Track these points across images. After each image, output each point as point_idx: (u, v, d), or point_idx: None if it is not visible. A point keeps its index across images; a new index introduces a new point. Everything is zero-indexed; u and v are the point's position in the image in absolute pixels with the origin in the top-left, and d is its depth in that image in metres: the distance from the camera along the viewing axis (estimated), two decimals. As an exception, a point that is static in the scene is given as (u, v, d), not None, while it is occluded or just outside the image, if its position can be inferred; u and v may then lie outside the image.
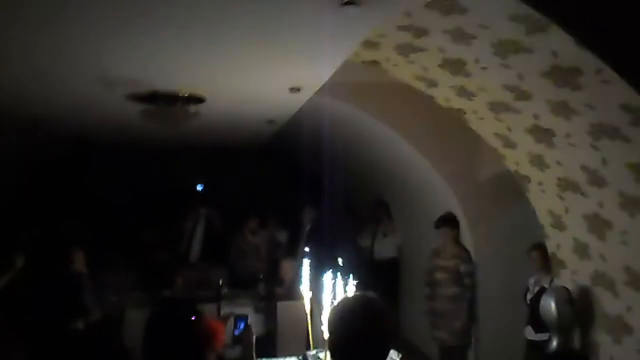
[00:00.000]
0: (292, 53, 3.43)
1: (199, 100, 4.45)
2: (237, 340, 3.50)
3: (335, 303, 1.96)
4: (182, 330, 1.82)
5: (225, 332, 4.10)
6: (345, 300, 2.00)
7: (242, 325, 3.44)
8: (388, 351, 1.82)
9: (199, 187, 9.95)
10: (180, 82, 4.11)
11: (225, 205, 7.88)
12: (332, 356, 1.86)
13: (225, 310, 6.15)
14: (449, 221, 5.55)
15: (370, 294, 1.92)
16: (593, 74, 2.81)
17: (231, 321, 3.57)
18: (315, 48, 3.30)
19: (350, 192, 8.17)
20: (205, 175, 8.71)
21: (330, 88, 4.69)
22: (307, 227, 7.49)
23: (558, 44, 2.76)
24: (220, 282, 6.64)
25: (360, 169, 7.48)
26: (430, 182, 5.66)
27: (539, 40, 2.82)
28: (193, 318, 1.87)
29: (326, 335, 1.90)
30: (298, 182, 8.78)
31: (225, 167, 8.79)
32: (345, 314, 1.83)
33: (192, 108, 4.45)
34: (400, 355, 4.27)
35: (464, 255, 5.48)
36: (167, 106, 4.33)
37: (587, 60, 2.74)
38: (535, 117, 3.54)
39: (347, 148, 7.06)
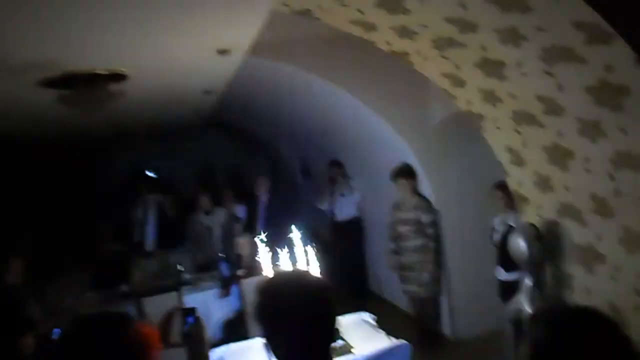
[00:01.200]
0: (212, 9, 3.07)
1: (120, 77, 4.04)
2: (186, 337, 3.25)
3: (266, 281, 1.67)
4: (105, 351, 1.52)
5: (173, 331, 3.84)
6: (279, 277, 1.71)
7: (191, 320, 3.18)
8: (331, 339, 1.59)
9: (149, 174, 9.48)
10: (95, 58, 3.69)
11: (176, 187, 7.49)
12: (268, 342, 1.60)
13: (187, 297, 5.89)
14: (403, 172, 5.37)
15: (308, 272, 1.69)
16: (541, -9, 2.57)
17: (178, 317, 3.31)
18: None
19: (304, 156, 7.89)
20: (151, 159, 8.25)
21: (264, 49, 4.36)
22: (263, 198, 7.18)
23: (501, -39, 2.50)
24: (181, 268, 6.34)
25: (311, 132, 7.19)
26: (382, 134, 5.43)
27: (480, -40, 2.55)
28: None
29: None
30: (251, 153, 8.46)
31: (172, 147, 8.34)
32: (279, 292, 1.58)
33: (114, 87, 4.03)
34: (375, 318, 4.12)
35: (424, 205, 5.33)
36: (85, 88, 3.90)
37: (535, -24, 2.50)
38: (483, 49, 3.30)
39: (295, 112, 6.74)
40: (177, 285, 5.94)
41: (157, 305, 5.22)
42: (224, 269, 6.40)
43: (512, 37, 3.04)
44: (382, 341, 3.60)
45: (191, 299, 5.90)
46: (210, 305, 6.05)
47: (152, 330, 1.69)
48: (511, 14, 2.86)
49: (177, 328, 3.66)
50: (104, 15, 2.92)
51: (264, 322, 1.57)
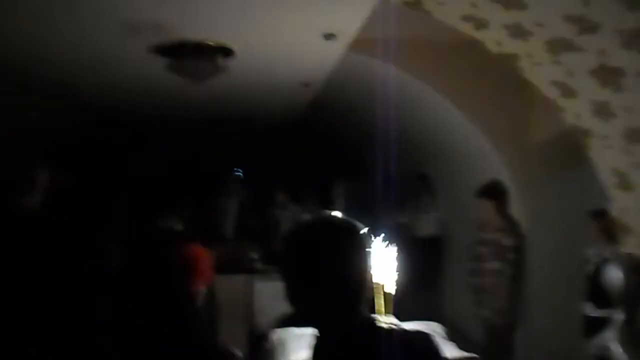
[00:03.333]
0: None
1: (227, 51, 4.18)
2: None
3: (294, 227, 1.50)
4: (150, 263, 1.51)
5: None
6: (309, 223, 1.50)
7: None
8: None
9: (237, 173, 9.75)
10: (207, 29, 3.85)
11: (258, 180, 7.67)
12: (292, 303, 1.42)
13: (257, 283, 5.95)
14: (490, 191, 5.12)
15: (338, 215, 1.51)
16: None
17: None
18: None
19: (388, 164, 7.78)
20: (239, 150, 8.47)
21: (362, 44, 4.38)
22: (339, 203, 7.18)
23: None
24: (254, 256, 6.46)
25: (399, 139, 7.07)
26: (477, 147, 5.22)
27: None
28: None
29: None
30: (335, 156, 8.48)
31: (260, 141, 8.53)
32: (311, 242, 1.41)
33: (221, 60, 4.18)
34: (446, 330, 3.93)
35: (509, 227, 5.05)
36: (193, 58, 4.07)
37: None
38: (602, 54, 3.10)
39: (385, 117, 6.67)
40: (249, 271, 6.07)
41: (226, 284, 5.30)
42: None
43: (636, 40, 2.82)
44: (453, 352, 3.41)
45: (261, 287, 5.99)
46: (276, 296, 6.08)
47: (204, 251, 1.68)
48: (639, 13, 2.66)
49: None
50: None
51: (287, 269, 1.44)
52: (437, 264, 6.88)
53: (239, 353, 1.55)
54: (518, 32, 3.41)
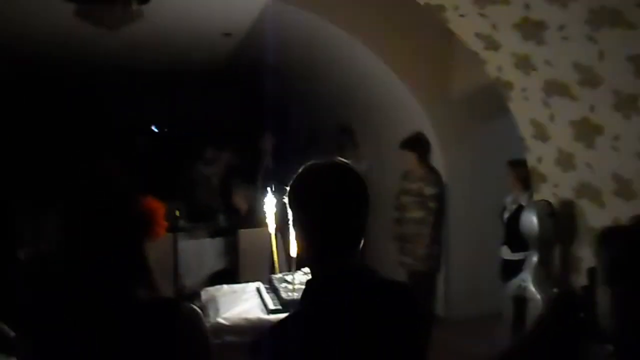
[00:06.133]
0: None
1: (142, -3, 3.88)
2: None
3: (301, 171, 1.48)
4: (107, 215, 1.39)
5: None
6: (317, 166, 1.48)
7: None
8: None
9: (154, 128, 9.35)
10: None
11: (177, 134, 7.38)
12: (306, 242, 1.45)
13: (182, 243, 5.80)
14: (412, 142, 5.25)
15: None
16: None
17: None
18: None
19: (312, 118, 7.74)
20: (158, 103, 8.06)
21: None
22: (267, 155, 7.09)
23: None
24: (178, 213, 6.25)
25: (323, 93, 7.02)
26: (400, 99, 5.28)
27: None
28: None
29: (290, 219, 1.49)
30: (258, 108, 8.31)
31: (178, 94, 8.15)
32: (323, 182, 1.41)
33: (135, 6, 3.87)
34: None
35: (430, 177, 5.21)
36: (106, 3, 3.74)
37: None
38: (526, 7, 3.16)
39: (310, 70, 6.57)
40: (172, 229, 5.87)
41: (149, 245, 5.14)
42: (222, 220, 6.33)
43: (560, -6, 2.89)
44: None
45: (185, 245, 5.84)
46: (204, 254, 5.99)
47: (159, 205, 1.57)
48: (565, -35, 2.71)
49: None
50: None
51: (295, 205, 1.44)
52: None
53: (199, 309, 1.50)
54: (445, -17, 3.40)
